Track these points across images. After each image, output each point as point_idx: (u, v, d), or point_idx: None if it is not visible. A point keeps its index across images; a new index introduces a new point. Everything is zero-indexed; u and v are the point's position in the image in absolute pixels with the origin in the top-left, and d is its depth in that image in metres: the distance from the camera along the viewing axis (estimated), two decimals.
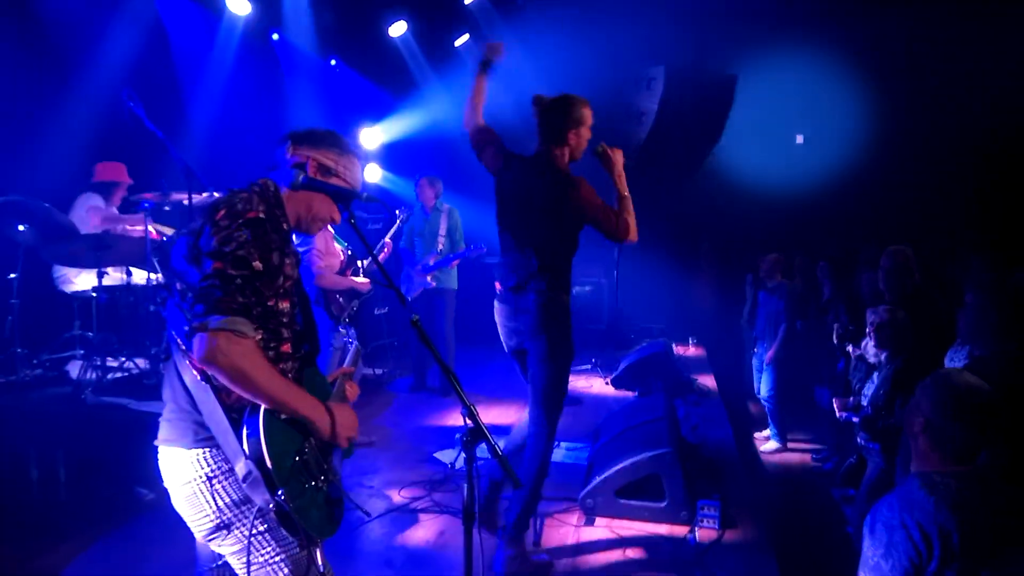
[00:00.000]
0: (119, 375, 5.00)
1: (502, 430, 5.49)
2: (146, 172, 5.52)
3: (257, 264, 1.83)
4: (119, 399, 4.75)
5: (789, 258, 5.93)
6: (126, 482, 4.25)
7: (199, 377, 1.86)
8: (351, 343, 2.61)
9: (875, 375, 3.67)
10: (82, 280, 5.22)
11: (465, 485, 2.00)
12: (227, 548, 1.92)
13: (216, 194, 4.17)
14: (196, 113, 6.77)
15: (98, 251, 4.88)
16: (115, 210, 5.43)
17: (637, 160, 10.14)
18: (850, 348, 4.22)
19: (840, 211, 9.51)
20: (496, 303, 3.53)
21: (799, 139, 10.34)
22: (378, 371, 7.17)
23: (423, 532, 3.80)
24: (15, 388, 4.83)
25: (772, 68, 9.68)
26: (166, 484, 1.94)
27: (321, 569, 1.98)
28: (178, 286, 1.89)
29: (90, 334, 5.02)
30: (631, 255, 9.33)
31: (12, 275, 4.86)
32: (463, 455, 2.00)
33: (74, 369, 5.04)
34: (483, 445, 1.96)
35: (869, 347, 3.74)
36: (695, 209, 10.40)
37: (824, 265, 6.35)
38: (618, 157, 3.39)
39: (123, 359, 5.08)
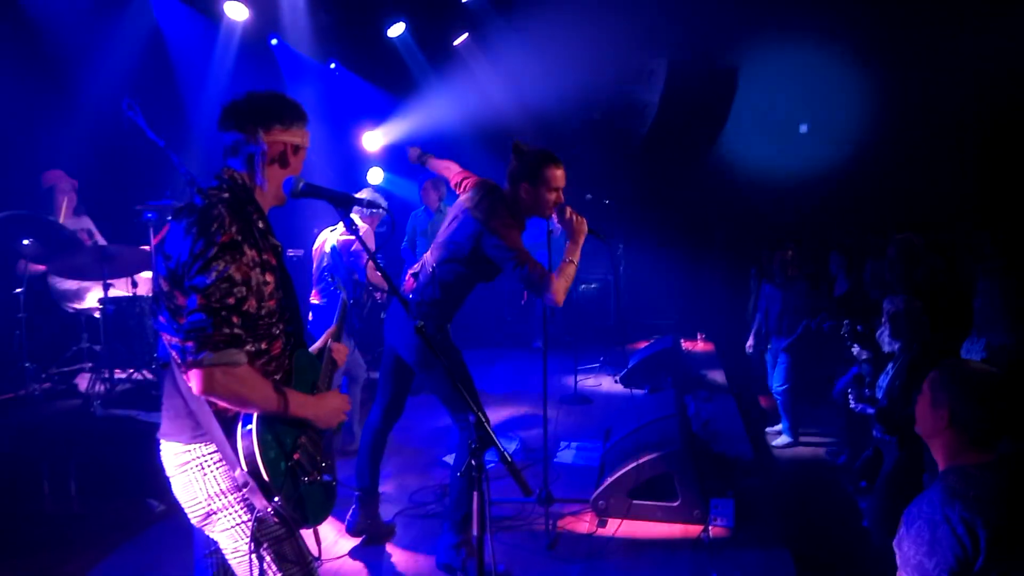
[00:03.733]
0: (127, 387, 5.00)
1: (514, 427, 5.48)
2: (149, 182, 5.51)
3: (240, 290, 1.88)
4: (128, 411, 4.75)
5: (802, 252, 5.86)
6: (137, 494, 4.26)
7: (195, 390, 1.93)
8: (338, 293, 2.66)
9: (890, 366, 3.62)
10: (86, 299, 5.23)
11: (475, 492, 2.00)
12: (218, 533, 2.01)
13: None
14: (197, 121, 6.76)
15: (103, 263, 4.88)
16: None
17: (639, 153, 10.11)
18: (856, 349, 4.18)
19: (847, 201, 9.45)
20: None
21: (803, 128, 10.27)
22: None
23: (432, 539, 3.77)
24: (25, 403, 4.84)
25: (774, 57, 9.61)
26: (167, 473, 2.04)
27: (310, 551, 2.07)
28: (166, 303, 1.95)
29: (97, 347, 5.02)
30: (637, 251, 9.31)
31: (18, 289, 4.86)
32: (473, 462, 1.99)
33: (83, 382, 5.05)
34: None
35: (884, 337, 3.70)
36: (701, 202, 10.34)
37: (836, 257, 6.30)
38: (581, 226, 3.17)
39: (131, 370, 5.08)
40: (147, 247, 5.04)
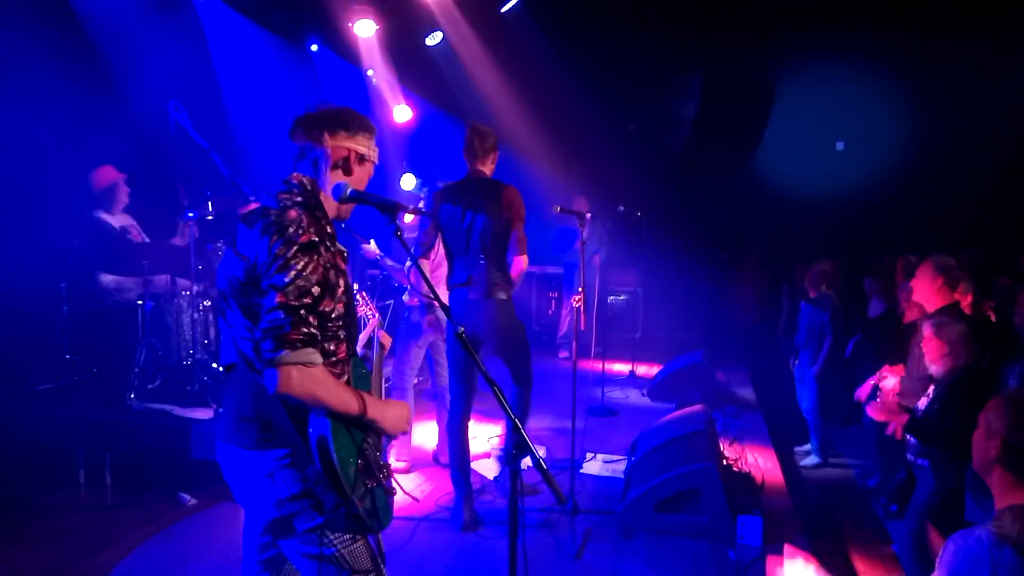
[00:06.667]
0: (164, 381, 5.10)
1: (540, 437, 5.48)
2: (191, 182, 5.62)
3: (316, 290, 1.88)
4: (163, 405, 4.84)
5: (835, 268, 5.78)
6: (169, 487, 4.35)
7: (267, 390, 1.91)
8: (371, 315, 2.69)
9: (931, 389, 3.55)
10: (127, 290, 5.33)
11: (508, 498, 2.00)
12: (285, 538, 1.99)
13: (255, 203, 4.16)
14: (238, 123, 6.90)
15: (145, 259, 5.00)
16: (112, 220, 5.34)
17: (673, 167, 10.09)
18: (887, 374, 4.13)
19: (881, 219, 9.33)
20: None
21: (839, 146, 10.19)
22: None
23: (460, 543, 3.79)
24: (64, 393, 4.96)
25: (811, 74, 9.55)
26: (227, 477, 2.02)
27: (375, 555, 2.06)
28: (237, 301, 1.94)
29: (137, 341, 5.12)
30: (667, 265, 9.28)
31: (62, 284, 4.99)
32: (508, 468, 2.00)
33: (120, 375, 5.15)
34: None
35: (924, 360, 3.63)
36: (734, 217, 10.28)
37: (869, 281, 6.22)
38: None
39: (168, 366, 5.17)
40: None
